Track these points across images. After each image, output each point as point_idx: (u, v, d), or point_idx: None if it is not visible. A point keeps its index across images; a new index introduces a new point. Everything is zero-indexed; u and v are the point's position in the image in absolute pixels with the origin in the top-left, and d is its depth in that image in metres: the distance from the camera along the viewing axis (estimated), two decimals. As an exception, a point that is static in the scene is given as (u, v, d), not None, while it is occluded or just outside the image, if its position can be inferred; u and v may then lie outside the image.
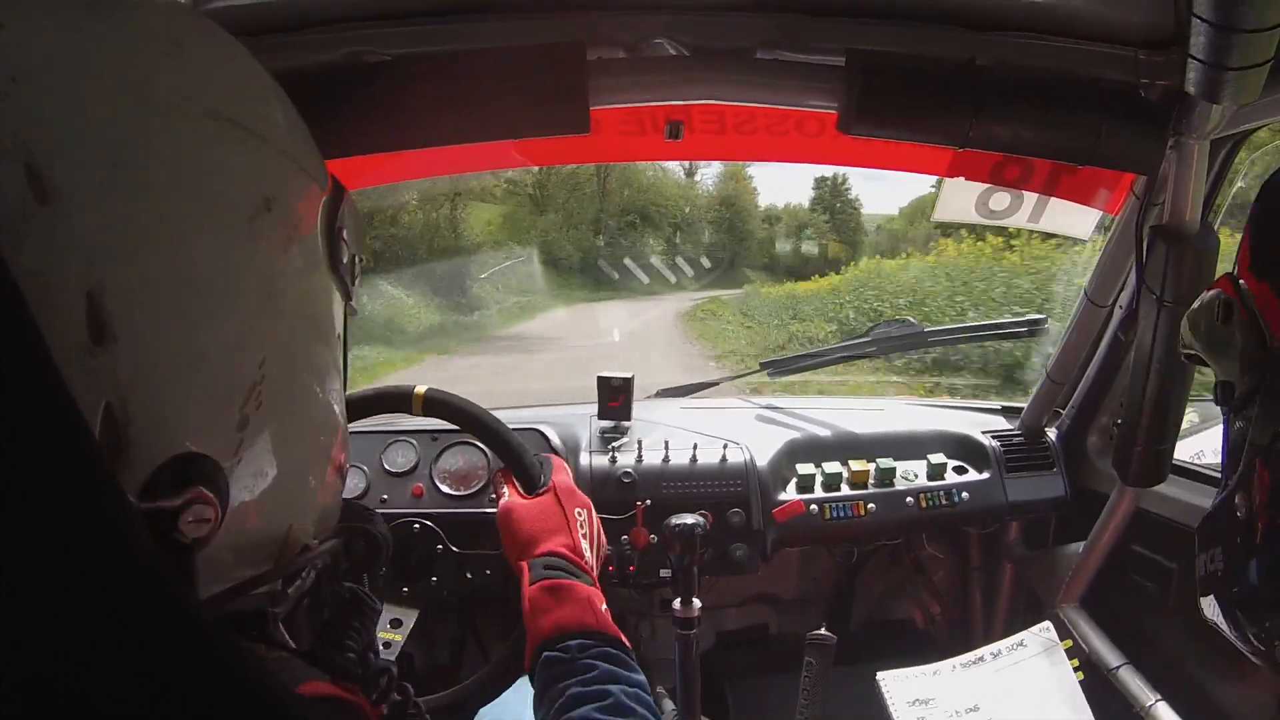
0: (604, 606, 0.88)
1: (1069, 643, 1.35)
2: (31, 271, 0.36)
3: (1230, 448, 0.63)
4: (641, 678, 0.82)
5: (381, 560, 0.90)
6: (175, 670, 0.35)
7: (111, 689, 0.33)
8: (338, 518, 0.63)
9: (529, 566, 0.91)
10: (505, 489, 1.04)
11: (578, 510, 0.98)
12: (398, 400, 1.10)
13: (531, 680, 0.84)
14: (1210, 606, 0.60)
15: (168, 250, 0.43)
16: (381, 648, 1.09)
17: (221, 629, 0.38)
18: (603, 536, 1.03)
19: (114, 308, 0.39)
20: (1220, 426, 0.65)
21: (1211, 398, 0.65)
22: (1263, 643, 0.55)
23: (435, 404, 1.10)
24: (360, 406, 1.12)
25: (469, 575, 1.19)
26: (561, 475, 1.02)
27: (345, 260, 0.59)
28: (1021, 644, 1.36)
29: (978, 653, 1.36)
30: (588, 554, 0.95)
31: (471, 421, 1.12)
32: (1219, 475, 1.28)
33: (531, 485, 1.04)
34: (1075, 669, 1.32)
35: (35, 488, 0.31)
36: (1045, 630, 1.37)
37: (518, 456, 1.09)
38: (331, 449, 0.58)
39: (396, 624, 1.15)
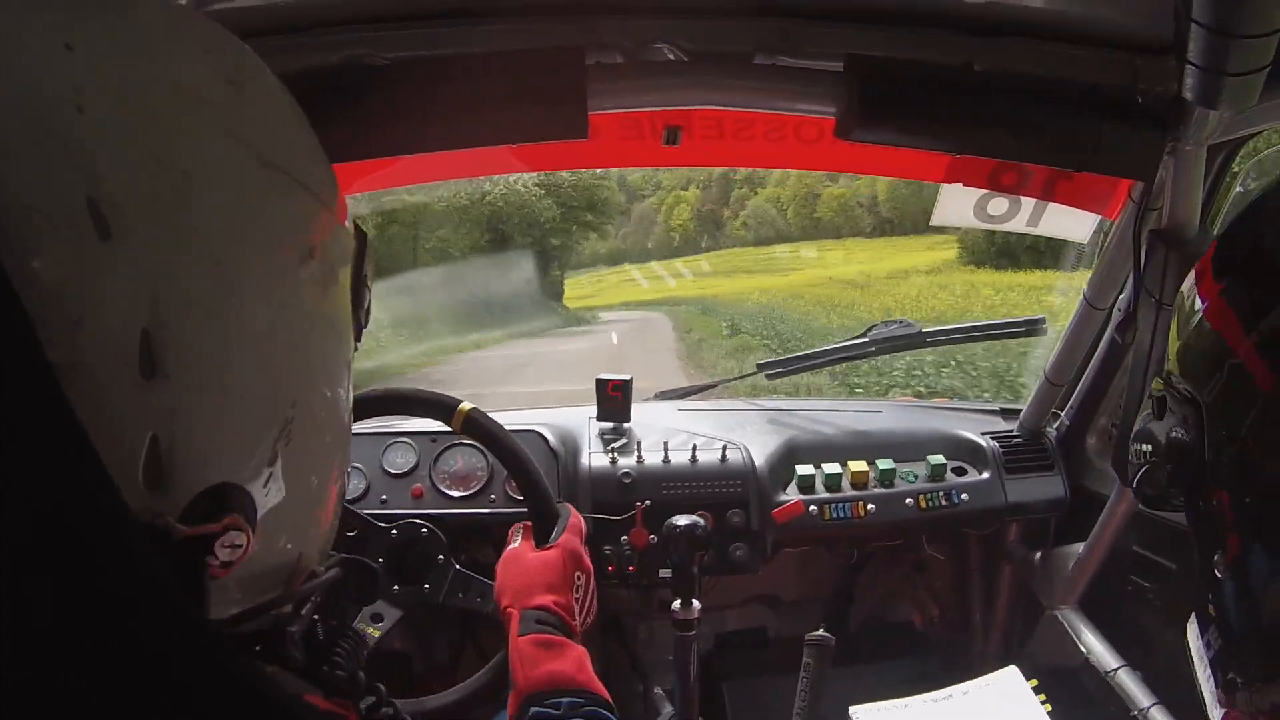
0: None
1: (1035, 681, 1.35)
2: (89, 304, 0.37)
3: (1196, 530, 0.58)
4: None
5: (375, 594, 0.91)
6: (176, 672, 0.35)
7: (111, 690, 0.33)
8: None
9: (519, 616, 0.91)
10: (518, 537, 1.05)
11: (578, 574, 0.99)
12: (441, 409, 1.12)
13: None
14: (1208, 685, 0.57)
15: (222, 293, 0.44)
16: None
17: (221, 633, 0.38)
18: (594, 603, 1.03)
19: (167, 345, 0.40)
20: None
21: None
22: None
23: (475, 425, 1.12)
24: (404, 404, 1.15)
25: (460, 595, 1.19)
26: (572, 536, 1.03)
27: (365, 305, 0.61)
28: (989, 685, 1.36)
29: (947, 690, 1.36)
30: (578, 618, 0.95)
31: (507, 453, 1.13)
32: None
33: (546, 527, 1.05)
34: (1042, 702, 1.32)
35: (34, 490, 0.31)
36: (1012, 674, 1.37)
37: (542, 497, 1.10)
38: (340, 481, 0.61)
39: (378, 619, 1.15)
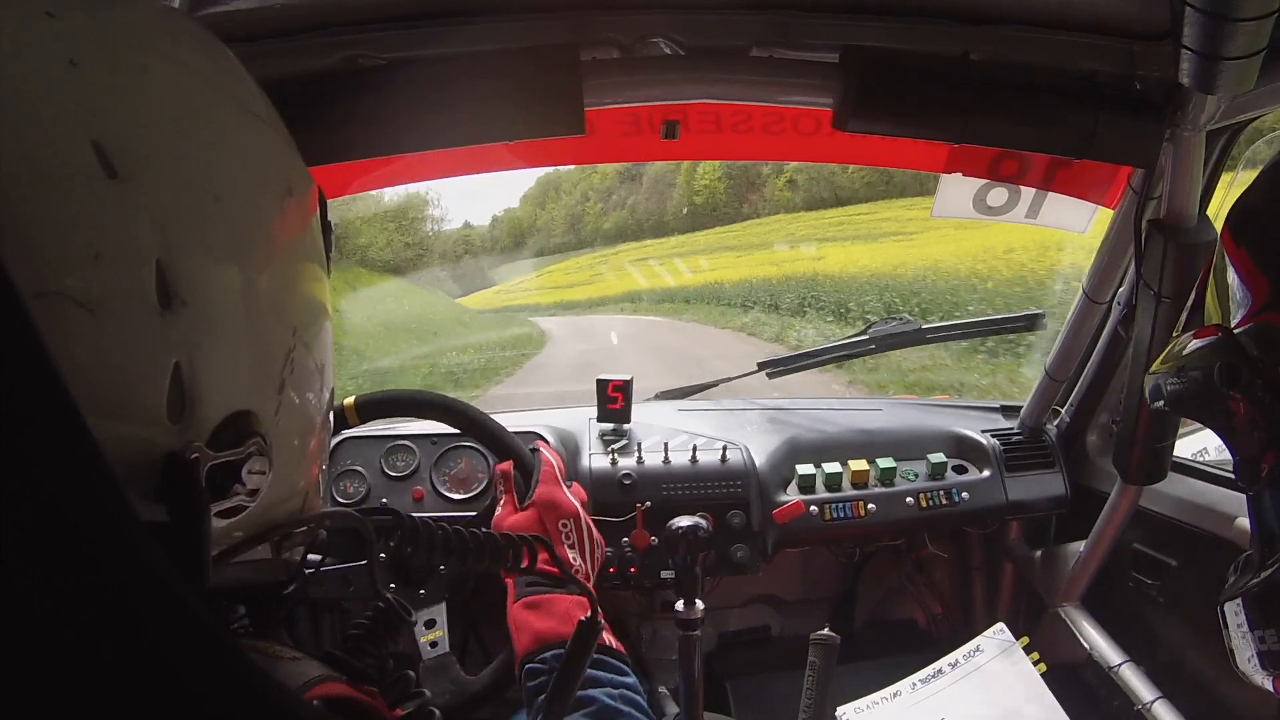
0: (587, 615, 0.88)
1: (1025, 639, 1.34)
2: (104, 241, 0.39)
3: (1264, 529, 0.56)
4: (630, 679, 0.83)
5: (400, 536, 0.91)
6: (176, 672, 0.35)
7: (111, 689, 0.32)
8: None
9: (513, 584, 0.93)
10: (502, 497, 1.05)
11: (562, 522, 0.99)
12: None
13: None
14: (1257, 672, 0.56)
15: (225, 224, 0.47)
16: (429, 648, 1.12)
17: (226, 631, 0.38)
18: (597, 538, 1.03)
19: (181, 275, 0.42)
20: None
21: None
22: None
23: (370, 406, 1.15)
24: None
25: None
26: (546, 487, 1.02)
27: (331, 245, 0.64)
28: (978, 649, 1.35)
29: (935, 666, 1.34)
30: (576, 562, 0.96)
31: (434, 409, 1.15)
32: (1221, 473, 1.28)
33: (523, 476, 1.06)
34: (1035, 662, 1.31)
35: (34, 488, 0.31)
36: (1000, 632, 1.37)
37: (504, 446, 1.11)
38: (329, 416, 0.63)
39: (431, 624, 1.15)
